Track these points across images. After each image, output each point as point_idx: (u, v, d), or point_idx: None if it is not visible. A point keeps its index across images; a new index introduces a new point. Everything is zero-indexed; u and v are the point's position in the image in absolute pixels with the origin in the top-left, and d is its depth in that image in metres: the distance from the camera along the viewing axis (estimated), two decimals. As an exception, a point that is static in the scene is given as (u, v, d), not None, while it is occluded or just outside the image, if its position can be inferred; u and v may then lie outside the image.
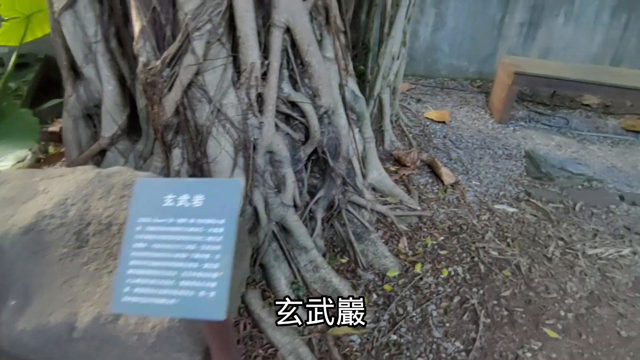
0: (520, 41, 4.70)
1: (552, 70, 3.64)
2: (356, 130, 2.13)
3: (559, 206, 2.72)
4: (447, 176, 2.80)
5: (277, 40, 1.49)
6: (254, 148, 1.56)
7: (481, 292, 1.99)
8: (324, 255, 2.00)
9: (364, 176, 2.27)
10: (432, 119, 3.70)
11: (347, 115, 1.96)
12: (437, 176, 2.82)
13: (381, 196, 2.34)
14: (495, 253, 2.22)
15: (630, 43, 4.78)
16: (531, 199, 2.73)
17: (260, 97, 1.54)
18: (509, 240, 2.35)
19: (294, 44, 1.59)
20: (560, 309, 1.98)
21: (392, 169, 2.89)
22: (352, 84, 1.96)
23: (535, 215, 2.60)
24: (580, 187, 2.96)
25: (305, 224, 1.91)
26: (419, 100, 4.12)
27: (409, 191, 2.61)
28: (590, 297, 2.07)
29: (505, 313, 1.91)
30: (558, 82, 3.57)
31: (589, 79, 3.56)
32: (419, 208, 2.38)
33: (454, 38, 4.64)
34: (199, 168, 1.56)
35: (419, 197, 2.59)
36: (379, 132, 3.15)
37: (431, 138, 3.40)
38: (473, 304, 1.92)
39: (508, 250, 2.27)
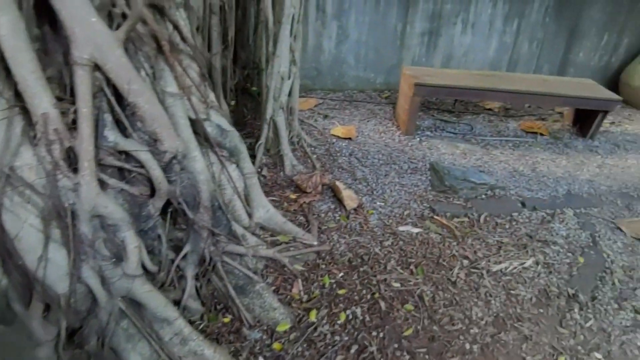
0: (423, 50, 4.72)
1: (452, 80, 3.63)
2: (232, 167, 1.86)
3: (463, 220, 2.64)
4: (350, 200, 2.61)
5: (83, 81, 1.19)
6: (73, 215, 1.25)
7: (381, 335, 1.80)
8: (202, 318, 1.70)
9: (250, 215, 2.01)
10: (338, 136, 3.54)
11: (215, 153, 1.69)
12: (340, 201, 2.63)
13: (272, 235, 2.09)
14: (397, 285, 2.05)
15: (523, 48, 4.97)
16: (436, 216, 2.62)
17: (72, 152, 1.23)
18: (412, 266, 2.19)
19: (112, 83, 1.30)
20: (465, 341, 1.84)
21: (293, 196, 2.66)
22: (216, 117, 1.69)
23: (439, 234, 2.48)
24: (484, 196, 2.91)
25: (174, 285, 1.61)
26: (326, 116, 3.95)
27: (308, 222, 2.39)
28: (496, 322, 1.96)
29: (407, 357, 1.72)
30: (458, 90, 3.56)
31: (485, 85, 3.58)
32: (315, 243, 2.16)
33: (358, 50, 4.55)
34: (4, 249, 1.21)
35: (319, 227, 2.37)
36: (278, 157, 2.91)
37: (336, 157, 3.22)
38: (372, 352, 1.71)
39: (411, 278, 2.10)
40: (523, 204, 2.87)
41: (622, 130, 4.50)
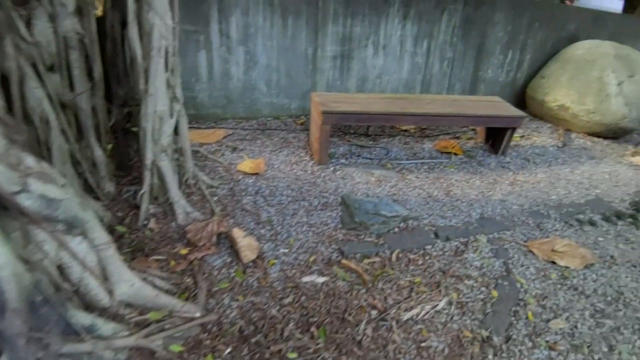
0: (336, 73, 4.58)
1: (361, 105, 3.48)
2: (77, 240, 1.50)
3: (374, 260, 2.43)
4: (249, 250, 2.31)
5: None
6: None
7: None
8: None
9: (110, 293, 1.64)
10: (245, 172, 3.24)
11: (46, 230, 1.33)
12: (237, 253, 2.32)
13: (141, 313, 1.73)
14: (294, 355, 1.77)
15: (435, 67, 5.00)
16: (344, 260, 2.39)
17: None
18: (314, 327, 1.92)
19: None
20: (369, 418, 1.59)
21: (184, 251, 2.31)
22: (38, 186, 1.34)
23: (347, 281, 2.25)
24: (397, 229, 2.74)
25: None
26: (234, 149, 3.64)
27: (196, 285, 2.05)
28: (405, 386, 1.73)
29: None
30: (367, 116, 3.41)
31: (395, 110, 3.47)
32: (198, 314, 1.82)
33: (269, 76, 4.31)
34: None
35: (209, 290, 2.04)
36: (168, 205, 2.55)
37: (241, 197, 2.91)
38: None
39: (311, 344, 1.83)
40: (436, 235, 2.72)
41: (531, 144, 4.61)
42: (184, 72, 3.92)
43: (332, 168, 3.48)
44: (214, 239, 2.37)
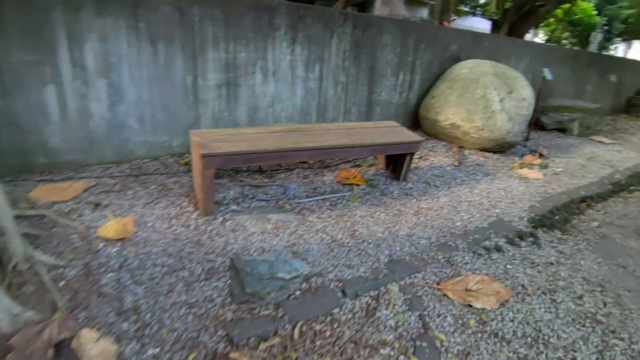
0: (223, 104, 4.08)
1: (248, 143, 3.02)
2: None
3: (273, 343, 1.96)
4: (100, 363, 1.69)
5: None
6: None
7: None
8: None
9: None
10: (108, 238, 2.57)
11: None
12: (82, 369, 1.68)
13: None
14: None
15: (329, 92, 4.76)
16: (234, 352, 1.88)
17: None
18: None
19: None
20: None
21: (0, 381, 1.61)
22: None
23: (238, 383, 1.74)
24: (298, 292, 2.31)
25: None
26: (96, 206, 2.93)
27: None
28: None
29: None
30: (255, 156, 2.96)
31: (286, 146, 3.07)
32: None
33: (141, 110, 3.66)
34: None
35: None
36: (-22, 311, 1.81)
37: (99, 277, 2.25)
38: None
39: None
40: (344, 292, 2.35)
41: (429, 164, 4.55)
42: (26, 113, 3.13)
43: (220, 218, 2.95)
44: (51, 353, 1.70)
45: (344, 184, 3.75)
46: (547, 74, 5.79)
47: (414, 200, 3.64)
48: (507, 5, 16.87)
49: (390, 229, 3.11)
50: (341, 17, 4.55)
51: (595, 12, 22.61)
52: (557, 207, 3.86)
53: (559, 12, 20.32)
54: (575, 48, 23.27)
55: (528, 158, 5.14)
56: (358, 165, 4.21)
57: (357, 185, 3.75)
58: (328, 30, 4.49)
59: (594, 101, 9.39)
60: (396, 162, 3.97)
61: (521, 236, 3.26)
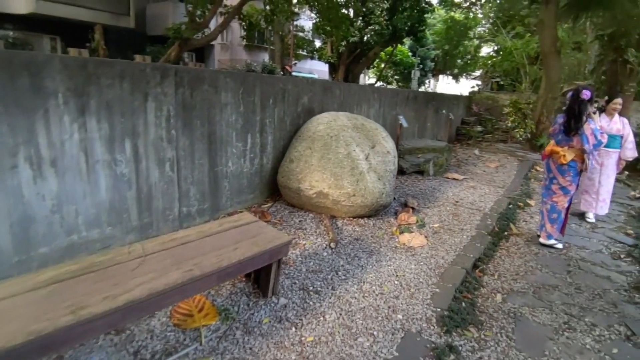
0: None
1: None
2: None
3: None
4: None
5: None
6: None
7: None
8: None
9: None
10: None
11: None
12: None
13: None
14: None
15: (152, 176, 3.37)
16: None
17: None
18: None
19: None
20: None
21: None
22: None
23: None
24: None
25: None
26: None
27: None
28: None
29: None
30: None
31: (58, 321, 1.60)
32: None
33: None
34: None
35: None
36: None
37: None
38: None
39: None
40: None
41: (301, 253, 3.48)
42: None
43: None
44: None
45: (184, 329, 2.39)
46: (403, 121, 5.41)
47: (293, 329, 2.49)
48: (341, 49, 17.73)
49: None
50: (157, 73, 3.26)
51: (410, 54, 25.81)
52: (458, 287, 3.16)
53: (382, 54, 22.45)
54: (399, 87, 26.11)
55: (403, 216, 4.51)
56: (206, 282, 2.89)
57: (206, 325, 2.42)
58: (139, 92, 3.15)
59: (434, 136, 9.84)
60: (260, 270, 2.78)
61: (440, 357, 2.37)
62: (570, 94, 4.02)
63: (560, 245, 4.30)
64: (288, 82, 4.75)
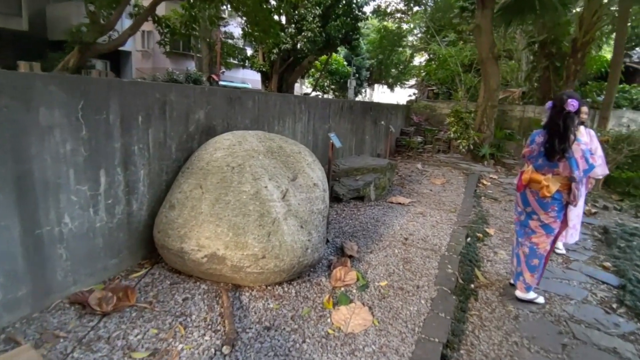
0: None
1: None
2: None
3: None
4: None
5: None
6: None
7: None
8: None
9: None
10: None
11: None
12: None
13: None
14: None
15: None
16: None
17: None
18: None
19: None
20: None
21: None
22: None
23: None
24: None
25: None
26: None
27: None
28: None
29: None
30: None
31: None
32: None
33: None
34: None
35: None
36: None
37: None
38: None
39: None
40: None
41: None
42: None
43: None
44: None
45: None
46: (335, 140, 4.15)
47: None
48: (273, 57, 16.41)
49: None
50: None
51: (346, 63, 25.10)
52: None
53: (317, 64, 21.45)
54: (335, 96, 25.30)
55: (338, 273, 3.21)
56: None
57: None
58: None
59: (374, 150, 8.76)
60: None
61: None
62: (549, 104, 2.96)
63: (541, 300, 3.24)
64: (170, 91, 3.28)
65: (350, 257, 3.60)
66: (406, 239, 4.26)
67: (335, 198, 5.39)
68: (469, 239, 4.42)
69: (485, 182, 7.75)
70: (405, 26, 20.65)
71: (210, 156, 3.19)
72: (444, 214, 5.32)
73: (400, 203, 5.66)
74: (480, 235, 4.63)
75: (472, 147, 9.53)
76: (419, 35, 19.83)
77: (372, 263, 3.59)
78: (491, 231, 4.83)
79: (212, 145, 3.31)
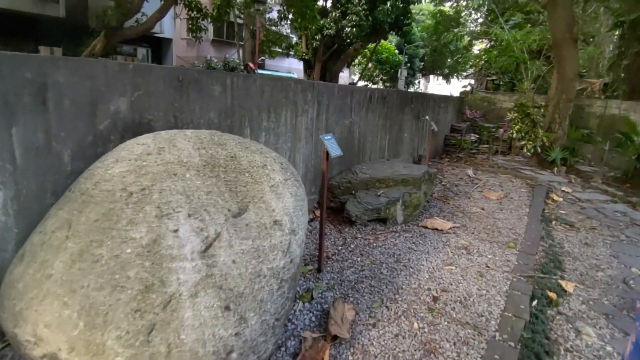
0: None
1: None
2: None
3: None
4: None
5: None
6: None
7: None
8: None
9: None
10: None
11: None
12: None
13: None
14: None
15: None
16: None
17: None
18: None
19: None
20: None
21: None
22: None
23: None
24: None
25: None
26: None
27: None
28: None
29: None
30: None
31: None
32: None
33: None
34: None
35: None
36: None
37: None
38: None
39: None
40: None
41: None
42: None
43: None
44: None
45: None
46: (331, 146, 2.72)
47: None
48: (316, 44, 15.03)
49: None
50: None
51: (397, 52, 23.06)
52: None
53: (366, 51, 19.74)
54: (385, 87, 23.39)
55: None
56: None
57: None
58: None
59: (414, 150, 7.14)
60: None
61: None
62: None
63: None
64: (56, 69, 2.04)
65: (335, 338, 2.20)
66: (436, 299, 2.76)
67: (348, 221, 3.96)
68: (535, 303, 2.82)
69: (556, 198, 5.89)
70: (464, 11, 18.27)
71: (104, 172, 1.92)
72: (499, 251, 3.70)
73: (437, 229, 4.11)
74: (552, 295, 2.99)
75: (539, 149, 7.57)
76: (479, 20, 17.40)
77: (369, 352, 2.16)
78: (569, 287, 3.17)
79: (114, 155, 2.04)
